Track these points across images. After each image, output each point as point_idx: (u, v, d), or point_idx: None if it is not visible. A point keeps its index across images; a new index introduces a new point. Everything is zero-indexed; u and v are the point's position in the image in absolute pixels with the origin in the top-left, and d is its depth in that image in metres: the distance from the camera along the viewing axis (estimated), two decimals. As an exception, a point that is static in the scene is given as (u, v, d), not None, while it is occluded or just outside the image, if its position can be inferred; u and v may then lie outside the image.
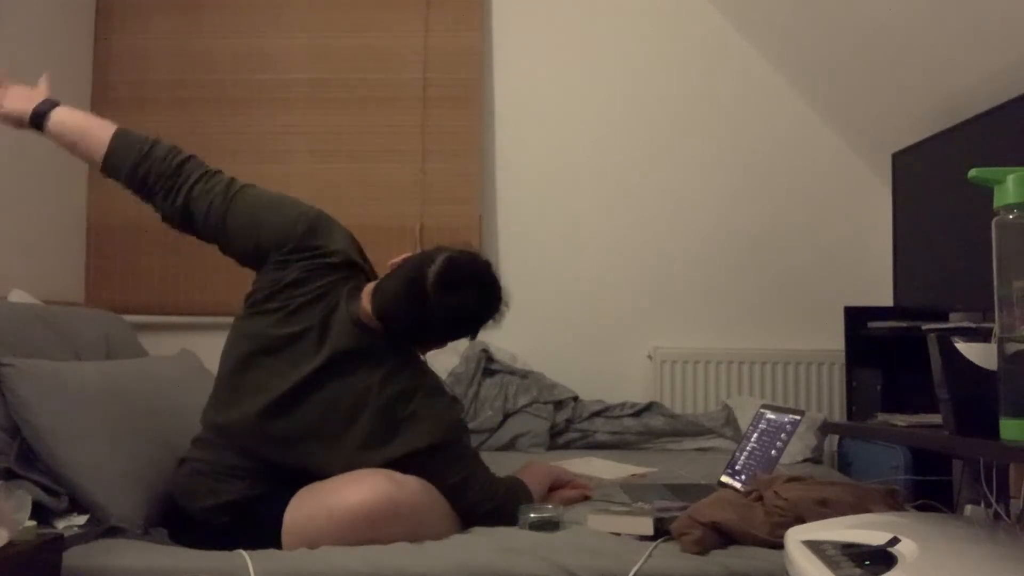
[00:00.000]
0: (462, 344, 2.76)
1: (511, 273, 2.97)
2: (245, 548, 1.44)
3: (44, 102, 1.69)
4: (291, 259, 1.62)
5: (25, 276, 2.49)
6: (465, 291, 1.53)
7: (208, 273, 2.95)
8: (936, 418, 1.46)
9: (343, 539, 1.45)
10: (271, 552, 1.44)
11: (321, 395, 1.53)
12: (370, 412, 1.53)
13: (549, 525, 1.52)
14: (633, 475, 2.13)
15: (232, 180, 1.71)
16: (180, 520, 1.59)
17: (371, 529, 1.45)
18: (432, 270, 1.51)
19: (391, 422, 1.53)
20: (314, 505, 1.50)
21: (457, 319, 1.56)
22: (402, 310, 1.53)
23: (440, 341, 1.65)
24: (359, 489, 1.46)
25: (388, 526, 1.45)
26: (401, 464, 1.52)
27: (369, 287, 1.60)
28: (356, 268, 1.67)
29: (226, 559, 1.39)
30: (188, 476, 1.60)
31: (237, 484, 1.55)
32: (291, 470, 1.56)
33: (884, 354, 2.36)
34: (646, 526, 1.45)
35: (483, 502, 1.58)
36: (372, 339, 1.56)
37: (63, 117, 1.67)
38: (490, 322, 1.61)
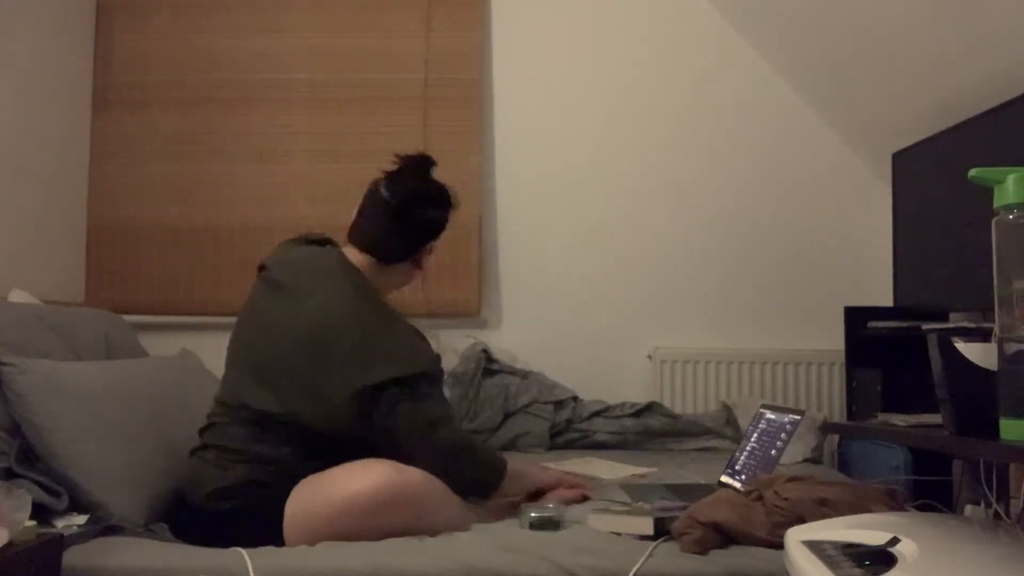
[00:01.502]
0: (462, 344, 2.77)
1: (511, 273, 2.97)
2: (247, 540, 1.46)
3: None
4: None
5: (26, 276, 2.49)
6: (417, 178, 1.75)
7: (209, 273, 2.96)
8: (936, 418, 1.46)
9: (345, 526, 1.46)
10: (270, 550, 1.44)
11: (302, 321, 1.62)
12: (352, 334, 1.59)
13: (550, 524, 1.52)
14: (633, 475, 2.13)
15: None
16: (183, 515, 1.61)
17: (372, 516, 1.46)
18: (383, 186, 1.73)
19: (373, 348, 1.58)
20: (315, 494, 1.51)
21: (432, 202, 1.75)
22: (387, 230, 1.72)
23: (436, 232, 1.78)
24: (360, 477, 1.48)
25: (389, 513, 1.47)
26: (382, 392, 1.55)
27: (345, 241, 1.78)
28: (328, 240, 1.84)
29: (225, 558, 1.39)
30: (193, 464, 1.64)
31: (239, 468, 1.57)
32: (285, 424, 1.58)
33: (884, 354, 2.36)
34: (646, 526, 1.45)
35: (459, 443, 1.61)
36: (357, 278, 1.69)
37: None
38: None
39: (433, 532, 1.51)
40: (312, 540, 1.48)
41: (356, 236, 1.75)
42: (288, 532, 1.50)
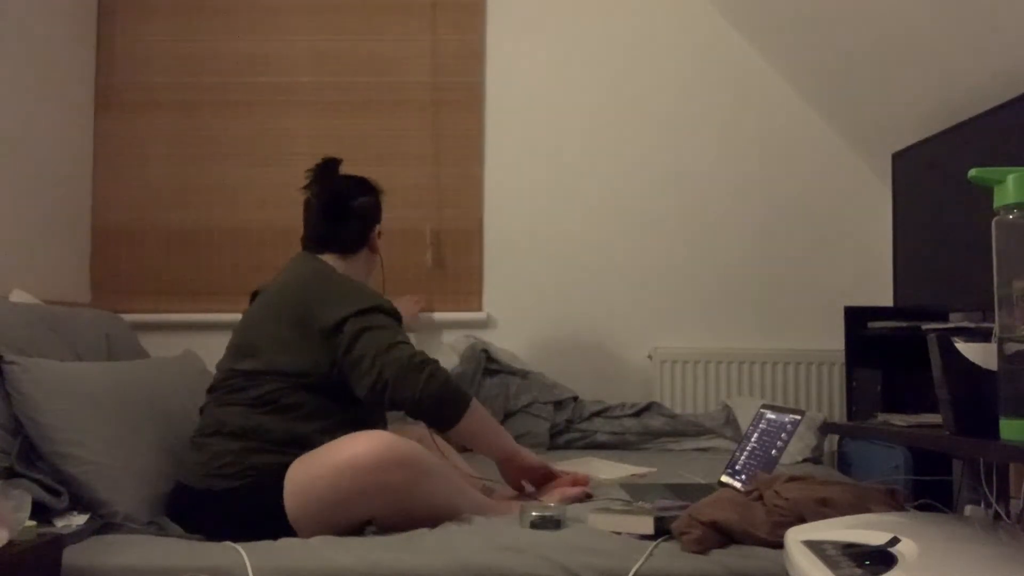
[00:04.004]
0: (462, 344, 2.77)
1: (511, 274, 2.97)
2: (247, 519, 1.51)
3: None
4: None
5: (29, 277, 2.49)
6: (330, 176, 1.94)
7: (211, 274, 2.96)
8: (936, 418, 1.46)
9: (344, 486, 1.51)
10: (268, 546, 1.44)
11: (273, 296, 1.78)
12: (315, 290, 1.74)
13: (550, 523, 1.52)
14: (633, 475, 2.13)
15: None
16: (184, 501, 1.63)
17: (371, 474, 1.51)
18: (310, 195, 1.92)
19: (333, 295, 1.73)
20: (315, 462, 1.56)
21: (356, 190, 1.94)
22: (332, 225, 1.89)
23: (374, 214, 1.96)
24: (359, 442, 1.54)
25: (387, 472, 1.51)
26: (344, 325, 1.67)
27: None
28: None
29: (224, 556, 1.39)
30: (189, 450, 1.69)
31: (232, 444, 1.62)
32: (268, 383, 1.66)
33: (884, 354, 2.35)
34: (647, 525, 1.45)
35: (421, 357, 1.66)
36: (319, 262, 1.86)
37: None
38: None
39: (431, 503, 1.56)
40: (312, 506, 1.52)
41: (310, 243, 1.91)
42: (290, 503, 1.54)
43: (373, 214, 1.96)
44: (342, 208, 1.91)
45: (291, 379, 1.66)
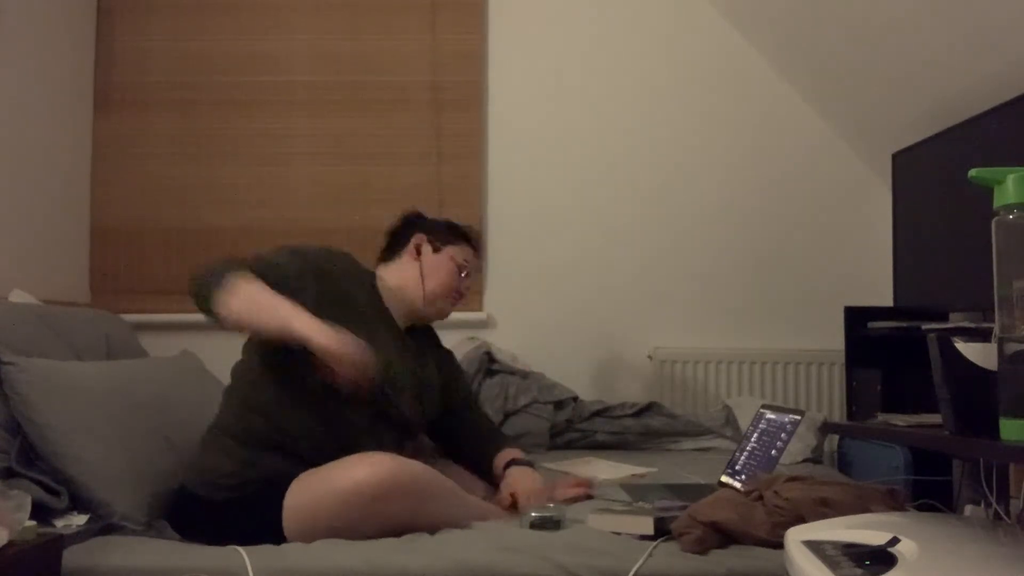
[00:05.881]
0: (464, 345, 2.77)
1: (510, 274, 2.97)
2: (244, 532, 1.47)
3: None
4: None
5: (28, 277, 2.49)
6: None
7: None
8: (936, 418, 1.46)
9: (345, 513, 1.47)
10: (269, 549, 1.44)
11: None
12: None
13: (550, 524, 1.52)
14: (633, 475, 2.13)
15: None
16: (185, 505, 1.62)
17: (373, 503, 1.47)
18: None
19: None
20: (316, 484, 1.52)
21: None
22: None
23: (417, 225, 1.93)
24: (362, 467, 1.49)
25: (390, 501, 1.48)
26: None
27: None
28: None
29: (225, 557, 1.39)
30: (199, 447, 1.68)
31: (237, 452, 1.60)
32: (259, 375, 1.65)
33: (884, 354, 2.36)
34: (647, 525, 1.45)
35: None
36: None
37: None
38: None
39: (433, 524, 1.53)
40: (312, 531, 1.49)
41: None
42: (288, 524, 1.51)
43: (419, 224, 1.95)
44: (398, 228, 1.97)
45: (253, 373, 1.67)
